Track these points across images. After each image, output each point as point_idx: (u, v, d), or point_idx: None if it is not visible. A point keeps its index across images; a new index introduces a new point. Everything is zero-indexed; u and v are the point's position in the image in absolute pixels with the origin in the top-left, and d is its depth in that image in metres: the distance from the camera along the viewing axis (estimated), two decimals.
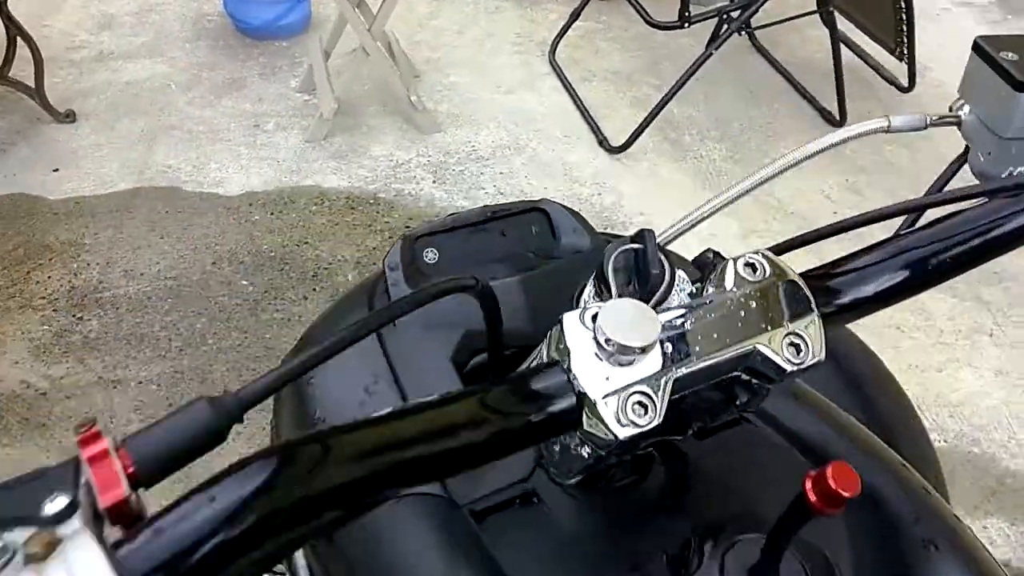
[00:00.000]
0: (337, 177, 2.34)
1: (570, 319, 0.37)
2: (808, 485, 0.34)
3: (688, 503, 0.45)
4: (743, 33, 2.72)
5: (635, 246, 0.41)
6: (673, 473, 0.48)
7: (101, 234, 2.10)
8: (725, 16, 2.46)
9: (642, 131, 2.50)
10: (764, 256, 0.40)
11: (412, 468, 0.32)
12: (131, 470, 0.28)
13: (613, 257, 0.40)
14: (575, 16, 2.95)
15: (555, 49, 2.96)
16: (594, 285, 0.41)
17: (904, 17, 2.44)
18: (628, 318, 0.36)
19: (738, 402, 0.42)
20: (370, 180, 2.34)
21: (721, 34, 2.43)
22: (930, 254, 0.43)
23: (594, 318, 0.36)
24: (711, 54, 2.41)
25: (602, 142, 2.55)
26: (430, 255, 0.57)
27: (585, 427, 0.36)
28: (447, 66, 2.86)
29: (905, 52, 2.46)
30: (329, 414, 0.53)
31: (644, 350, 0.36)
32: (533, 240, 0.60)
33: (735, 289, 0.39)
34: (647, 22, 2.46)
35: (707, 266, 0.41)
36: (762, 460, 0.44)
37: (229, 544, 0.27)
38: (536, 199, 0.62)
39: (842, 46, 2.71)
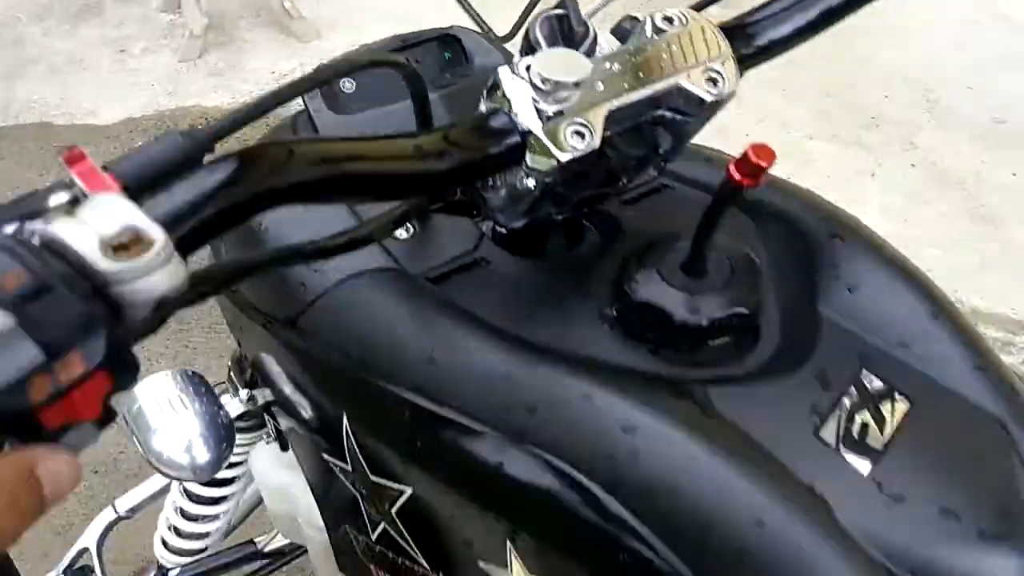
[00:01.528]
0: (218, 95, 2.25)
1: (504, 71, 0.39)
2: (731, 168, 0.37)
3: (620, 252, 0.48)
4: None
5: (559, 11, 0.42)
6: (605, 238, 0.51)
7: None
8: None
9: (526, 18, 2.48)
10: (680, 11, 0.42)
11: (376, 183, 0.34)
12: (121, 184, 0.28)
13: (539, 23, 0.42)
14: None
15: None
16: (522, 50, 0.43)
17: None
18: (561, 61, 0.38)
19: (660, 150, 0.45)
20: (255, 95, 2.26)
21: None
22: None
23: (528, 68, 0.38)
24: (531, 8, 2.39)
25: (487, 33, 2.52)
26: (347, 85, 0.58)
27: (529, 163, 0.38)
28: None
29: None
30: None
31: (578, 85, 0.38)
32: (447, 65, 0.61)
33: (655, 36, 0.41)
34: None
35: (627, 31, 0.43)
36: (684, 220, 0.47)
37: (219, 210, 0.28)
38: (446, 26, 0.62)
39: None
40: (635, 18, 0.45)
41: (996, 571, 0.36)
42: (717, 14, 0.48)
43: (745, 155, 0.37)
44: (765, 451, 0.39)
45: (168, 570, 0.98)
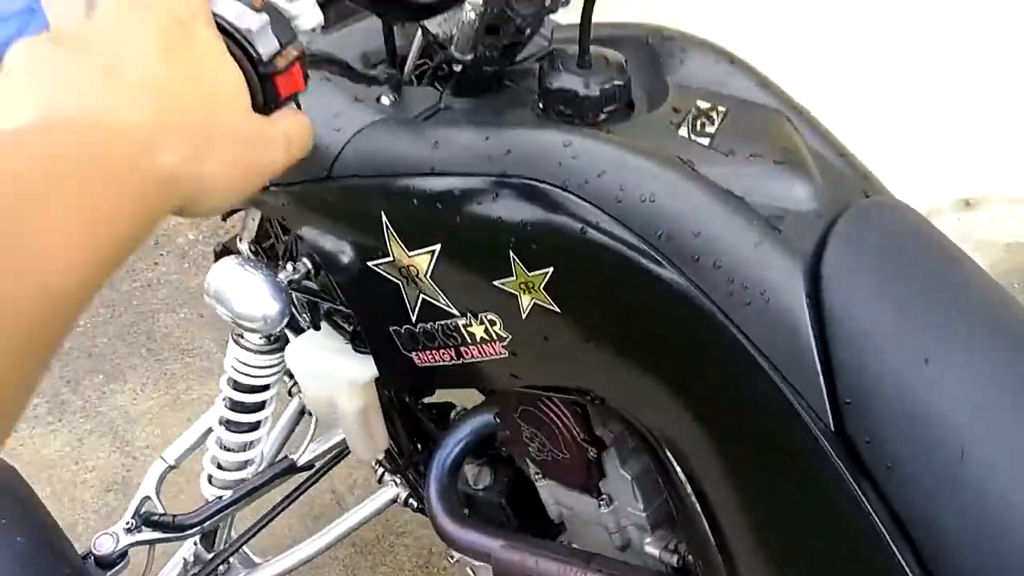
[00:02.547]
0: None
1: None
2: None
3: (530, 88, 0.74)
4: None
5: None
6: (520, 83, 0.77)
7: None
8: None
9: None
10: None
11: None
12: None
13: None
14: None
15: None
16: None
17: None
18: None
19: (548, 2, 0.71)
20: None
21: None
22: None
23: None
24: None
25: None
26: None
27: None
28: None
29: None
30: None
31: None
32: None
33: None
34: None
35: None
36: None
37: None
38: None
39: None
40: None
41: (788, 181, 0.63)
42: None
43: None
44: (651, 146, 0.65)
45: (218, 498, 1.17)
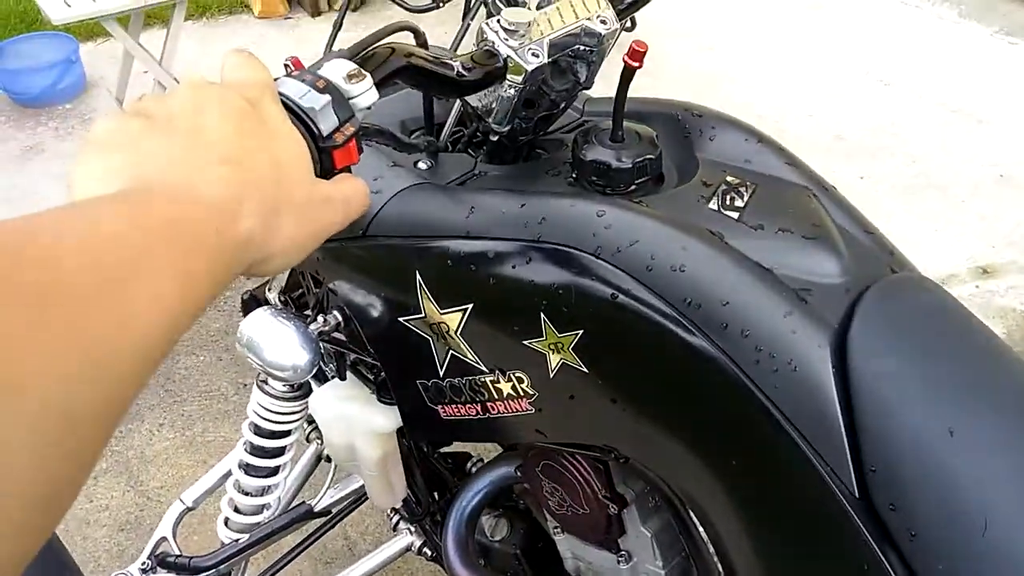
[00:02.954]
0: None
1: (485, 26, 0.68)
2: (625, 58, 0.67)
3: (563, 158, 0.77)
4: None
5: None
6: (553, 151, 0.80)
7: None
8: None
9: (462, 37, 2.82)
10: None
11: (431, 75, 0.62)
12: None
13: None
14: (337, 28, 3.24)
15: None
16: (487, 15, 0.72)
17: None
18: (515, 13, 0.68)
19: (581, 79, 0.75)
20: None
21: (471, 6, 2.81)
22: None
23: (497, 21, 0.67)
24: (468, 25, 2.78)
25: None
26: None
27: (508, 72, 0.67)
28: None
29: None
30: None
31: (529, 25, 0.67)
32: None
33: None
34: (404, 8, 2.80)
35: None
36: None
37: None
38: (402, 21, 0.89)
39: None
40: None
41: (815, 255, 0.65)
42: None
43: (631, 48, 0.67)
44: (682, 218, 0.67)
45: (234, 542, 1.17)
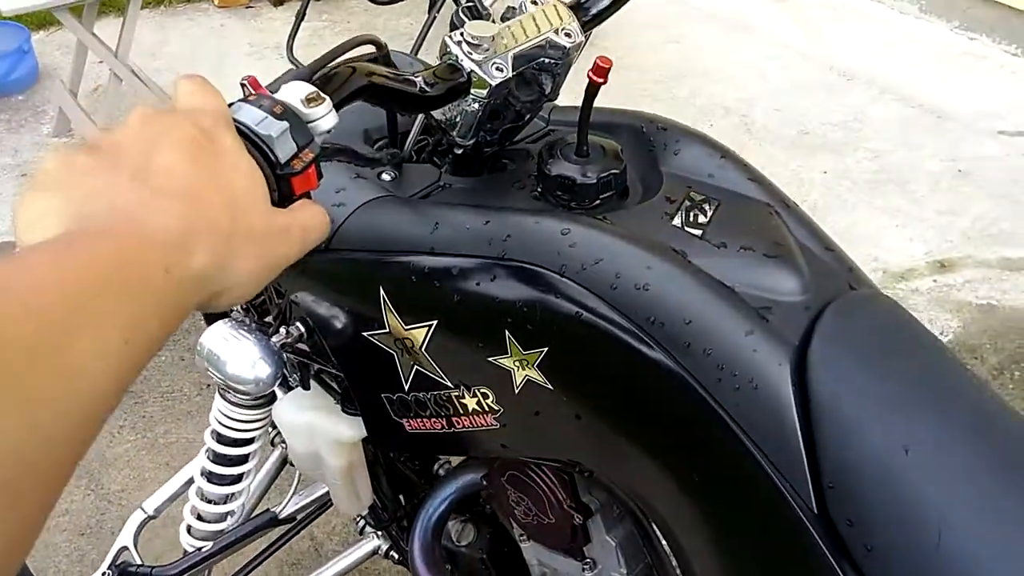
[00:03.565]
0: None
1: (448, 39, 0.67)
2: (590, 74, 0.67)
3: (528, 171, 0.76)
4: None
5: (469, 4, 0.71)
6: (519, 162, 0.79)
7: None
8: None
9: (422, 41, 2.79)
10: None
11: (393, 92, 0.61)
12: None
13: (460, 9, 0.71)
14: (300, 18, 3.19)
15: (291, 49, 3.18)
16: (451, 28, 0.71)
17: None
18: (479, 27, 0.67)
19: (546, 91, 0.74)
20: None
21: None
22: None
23: (461, 34, 0.67)
24: (435, 17, 2.76)
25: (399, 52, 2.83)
26: None
27: (472, 87, 0.66)
28: None
29: None
30: None
31: (492, 39, 0.66)
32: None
33: (529, 12, 0.71)
34: (371, 0, 2.77)
35: (512, 12, 0.73)
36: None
37: None
38: (364, 34, 0.88)
39: None
40: (512, 7, 0.74)
41: (777, 273, 0.66)
42: None
43: (596, 64, 0.67)
44: (646, 235, 0.67)
45: (198, 550, 1.16)
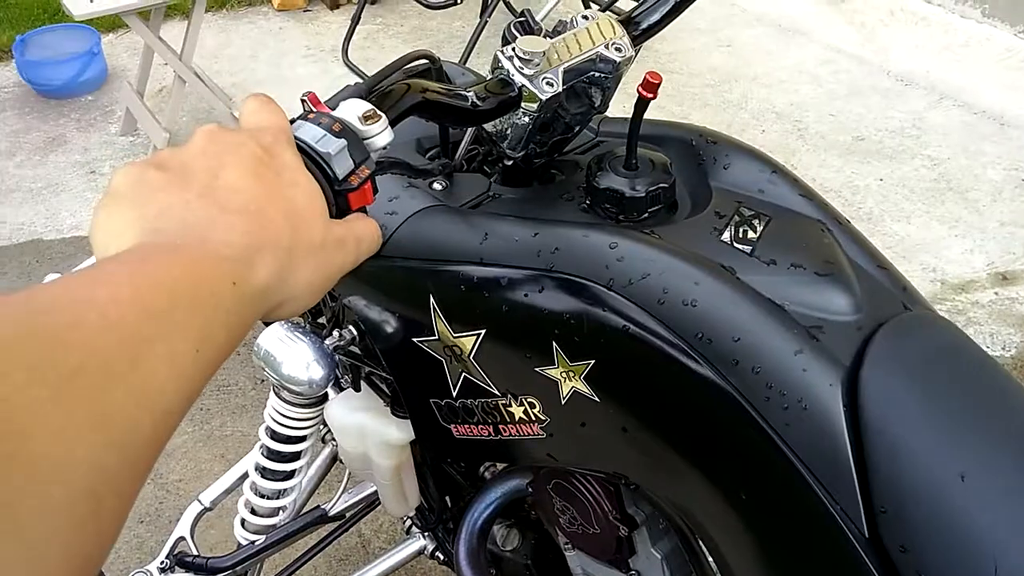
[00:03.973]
0: None
1: (499, 54, 0.68)
2: (640, 89, 0.67)
3: (581, 175, 0.77)
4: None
5: (520, 19, 0.73)
6: (567, 173, 0.80)
7: None
8: None
9: (471, 50, 2.82)
10: (593, 11, 0.73)
11: (446, 108, 0.62)
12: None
13: (511, 25, 0.72)
14: (356, 21, 3.24)
15: (346, 51, 3.24)
16: (502, 43, 0.72)
17: None
18: (530, 42, 0.68)
19: (595, 103, 0.75)
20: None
21: (489, 3, 2.81)
22: None
23: (513, 49, 0.68)
24: (486, 22, 2.78)
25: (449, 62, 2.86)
26: None
27: (524, 100, 0.67)
28: (254, 85, 3.07)
29: None
30: None
31: (545, 54, 0.68)
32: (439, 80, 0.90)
33: (580, 26, 0.72)
34: (424, 5, 2.79)
35: (563, 26, 0.74)
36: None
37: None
38: (419, 50, 0.90)
39: None
40: (563, 21, 0.75)
41: (828, 292, 0.65)
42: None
43: (645, 79, 0.67)
44: (695, 250, 0.67)
45: (251, 543, 1.19)
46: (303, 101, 0.57)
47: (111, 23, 3.27)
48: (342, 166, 0.50)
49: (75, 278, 0.34)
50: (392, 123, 0.55)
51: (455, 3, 3.21)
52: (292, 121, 0.52)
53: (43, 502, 0.27)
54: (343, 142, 0.50)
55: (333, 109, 0.54)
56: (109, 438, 0.30)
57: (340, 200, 0.50)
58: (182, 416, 0.36)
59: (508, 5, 3.38)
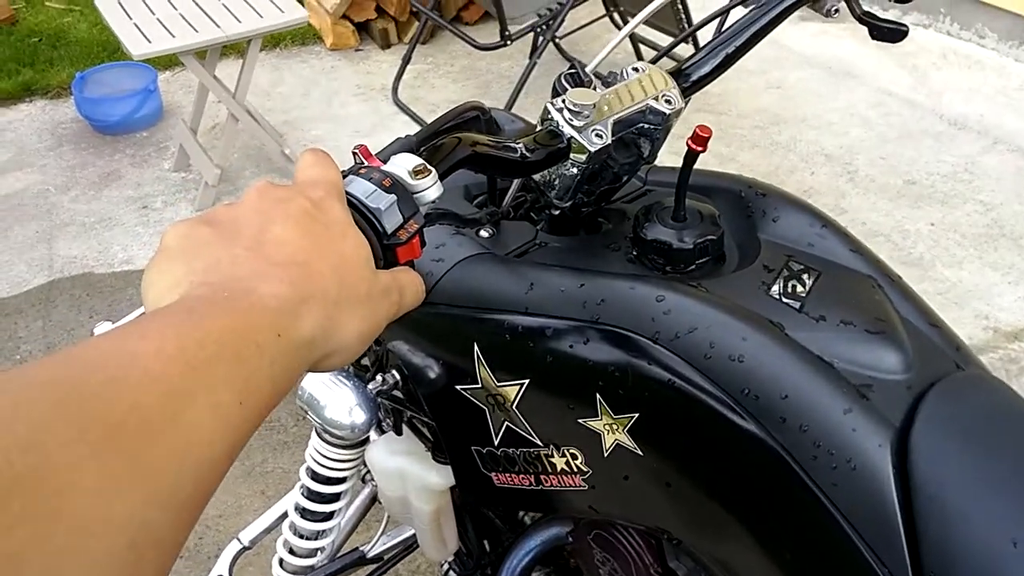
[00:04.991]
0: None
1: (549, 106, 0.69)
2: (689, 142, 0.67)
3: (623, 232, 0.77)
4: (555, 43, 3.17)
5: (571, 71, 0.73)
6: (615, 222, 0.80)
7: (31, 325, 2.23)
8: (539, 29, 2.88)
9: (516, 97, 2.84)
10: (643, 64, 0.73)
11: (495, 160, 0.62)
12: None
13: (562, 76, 0.73)
14: (406, 61, 3.31)
15: (396, 91, 3.30)
16: (552, 94, 0.73)
17: (680, 6, 2.96)
18: (580, 95, 0.68)
19: (644, 154, 0.75)
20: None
21: (539, 45, 2.85)
22: (727, 43, 0.77)
23: (563, 100, 0.68)
24: (535, 63, 2.82)
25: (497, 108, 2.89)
26: None
27: (573, 151, 0.67)
28: (305, 123, 3.14)
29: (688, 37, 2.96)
30: None
31: (593, 107, 0.68)
32: (488, 129, 0.91)
33: (630, 79, 0.72)
34: (475, 46, 2.85)
35: (613, 77, 0.74)
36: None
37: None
38: (469, 101, 0.91)
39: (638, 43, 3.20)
40: (614, 72, 0.75)
41: (878, 350, 0.64)
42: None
43: (696, 132, 0.67)
44: (742, 305, 0.67)
45: None
46: (354, 154, 0.57)
47: (168, 61, 3.37)
48: (391, 221, 0.50)
49: (119, 332, 0.34)
50: (442, 177, 0.55)
51: (505, 45, 3.28)
52: (344, 174, 0.52)
53: (84, 558, 0.27)
54: (393, 197, 0.51)
55: (384, 163, 0.54)
56: (150, 493, 0.30)
57: (388, 254, 0.51)
58: (227, 468, 0.36)
59: (558, 47, 3.42)
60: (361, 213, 0.50)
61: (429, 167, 0.54)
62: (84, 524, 0.27)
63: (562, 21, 2.83)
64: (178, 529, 0.32)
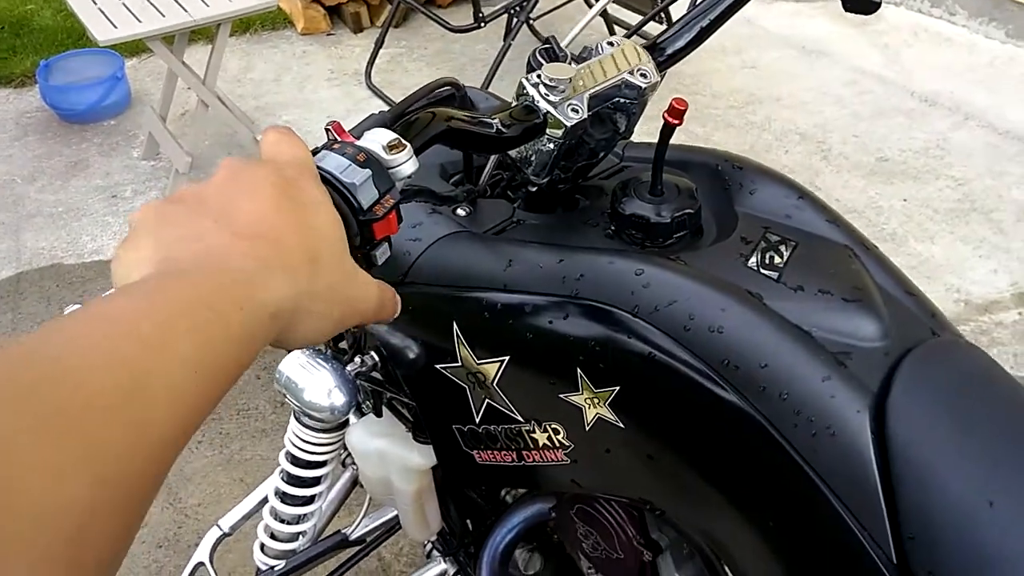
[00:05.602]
0: None
1: (525, 81, 0.68)
2: (665, 115, 0.67)
3: (606, 199, 0.76)
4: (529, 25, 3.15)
5: (546, 46, 0.72)
6: (592, 198, 0.80)
7: (1, 318, 2.19)
8: (513, 11, 2.87)
9: (492, 77, 2.83)
10: (618, 38, 0.73)
11: (471, 135, 0.62)
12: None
13: (537, 51, 0.72)
14: (379, 45, 3.28)
15: (370, 75, 3.27)
16: (527, 69, 0.72)
17: None
18: (556, 69, 0.68)
19: (620, 129, 0.75)
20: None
21: (513, 27, 2.83)
22: (701, 16, 0.77)
23: (538, 75, 0.68)
24: (510, 45, 2.80)
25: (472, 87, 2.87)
26: None
27: (549, 127, 0.67)
28: (277, 108, 3.10)
29: (662, 14, 2.96)
30: None
31: (569, 81, 0.67)
32: (463, 106, 0.90)
33: (605, 53, 0.72)
34: (448, 29, 2.83)
35: (588, 52, 0.73)
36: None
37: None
38: (443, 77, 0.89)
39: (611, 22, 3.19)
40: (588, 47, 0.75)
41: (856, 318, 0.64)
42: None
43: (671, 105, 0.67)
44: (721, 277, 0.67)
45: (270, 568, 1.19)
46: (327, 130, 0.57)
47: (135, 48, 3.32)
48: (367, 196, 0.50)
49: (80, 313, 0.33)
50: (417, 152, 0.54)
51: (478, 27, 3.25)
52: (317, 151, 0.51)
53: (18, 547, 0.26)
54: (368, 172, 0.50)
55: (358, 138, 0.54)
56: (98, 478, 0.29)
57: (365, 230, 0.50)
58: (181, 447, 0.34)
59: (532, 29, 3.40)
60: (335, 188, 0.49)
61: (404, 142, 0.53)
62: (30, 509, 0.26)
63: (536, 2, 2.81)
64: (128, 509, 0.30)
